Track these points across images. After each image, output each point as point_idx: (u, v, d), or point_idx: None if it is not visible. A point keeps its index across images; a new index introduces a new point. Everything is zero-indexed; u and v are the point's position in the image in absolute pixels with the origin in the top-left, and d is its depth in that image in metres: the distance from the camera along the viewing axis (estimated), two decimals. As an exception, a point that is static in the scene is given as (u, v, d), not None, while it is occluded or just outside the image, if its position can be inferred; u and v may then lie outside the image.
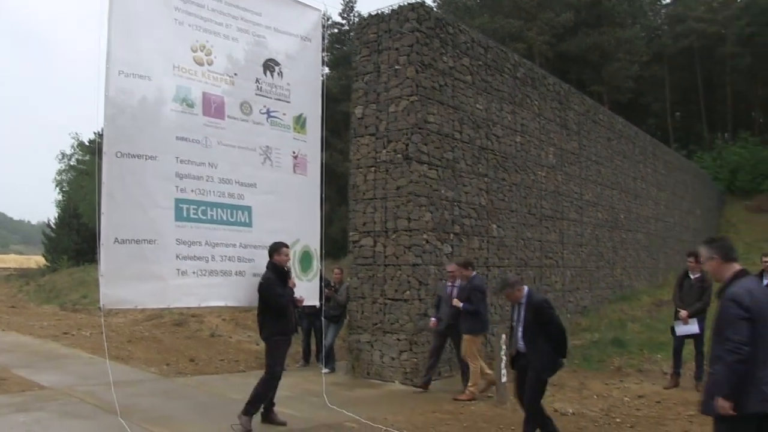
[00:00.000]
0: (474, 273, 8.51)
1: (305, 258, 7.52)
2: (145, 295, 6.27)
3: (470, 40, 10.95)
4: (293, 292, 6.77)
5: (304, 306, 9.92)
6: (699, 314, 8.47)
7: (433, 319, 8.72)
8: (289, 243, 7.07)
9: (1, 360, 10.33)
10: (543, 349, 5.63)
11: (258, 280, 6.58)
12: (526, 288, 5.92)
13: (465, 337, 8.26)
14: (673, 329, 8.76)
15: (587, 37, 36.60)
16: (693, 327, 8.43)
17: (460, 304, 8.19)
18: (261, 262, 6.68)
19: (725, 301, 3.86)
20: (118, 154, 6.10)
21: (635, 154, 19.30)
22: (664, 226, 21.78)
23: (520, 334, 5.83)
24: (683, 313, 8.50)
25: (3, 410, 6.92)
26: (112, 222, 6.02)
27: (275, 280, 6.52)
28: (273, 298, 6.48)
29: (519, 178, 12.01)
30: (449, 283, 8.71)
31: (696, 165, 31.75)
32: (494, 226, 11.14)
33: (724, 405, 3.72)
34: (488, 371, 8.21)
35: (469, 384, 8.16)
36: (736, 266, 3.99)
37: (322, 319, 9.93)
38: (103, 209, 5.98)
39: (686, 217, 25.11)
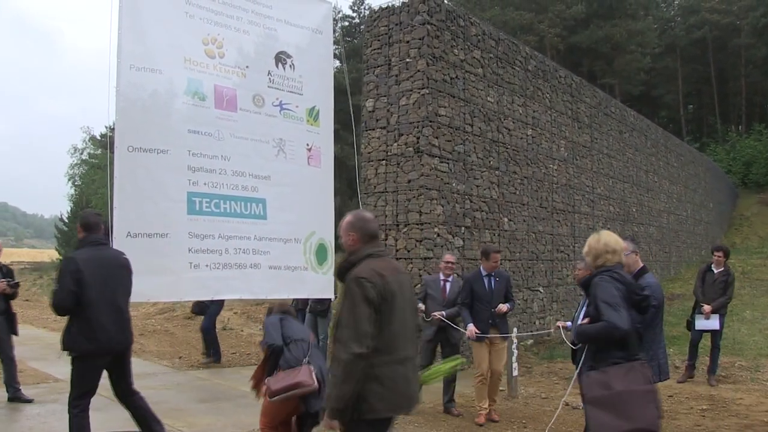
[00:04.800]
0: None
1: (320, 251, 7.51)
2: (158, 289, 6.28)
3: (481, 32, 10.89)
4: None
5: (297, 300, 9.55)
6: (721, 309, 8.38)
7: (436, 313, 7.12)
8: (304, 235, 7.05)
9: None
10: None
11: (275, 272, 6.58)
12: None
13: (504, 343, 6.95)
14: (689, 323, 8.66)
15: (599, 29, 36.39)
16: (714, 322, 8.35)
17: (505, 308, 6.82)
18: (277, 254, 6.67)
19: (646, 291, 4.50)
20: (130, 149, 6.11)
21: (647, 147, 19.16)
22: (676, 220, 21.63)
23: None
24: (706, 307, 8.37)
25: (19, 402, 6.98)
26: (125, 216, 6.04)
27: None
28: None
29: (530, 171, 11.95)
30: (442, 278, 7.33)
31: (709, 158, 31.49)
32: (505, 219, 11.09)
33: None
34: None
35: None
36: (640, 262, 4.88)
37: (307, 314, 9.37)
38: (115, 203, 5.99)
39: (699, 211, 24.92)
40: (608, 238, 3.98)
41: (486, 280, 6.87)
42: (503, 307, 6.78)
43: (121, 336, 5.08)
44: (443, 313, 7.00)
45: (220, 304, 9.92)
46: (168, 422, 6.26)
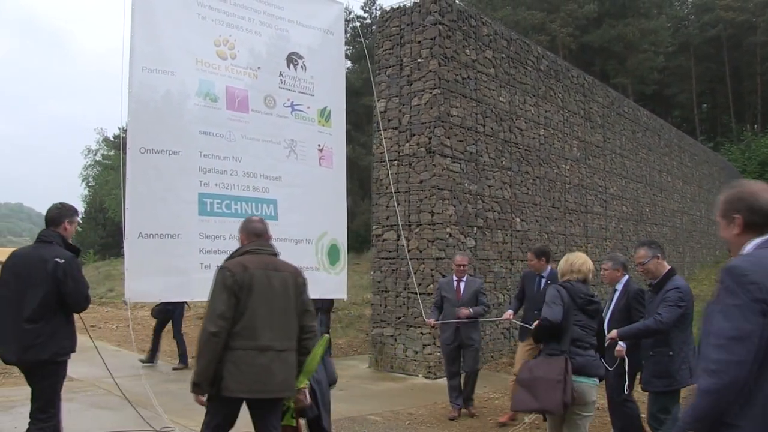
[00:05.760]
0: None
1: (333, 251, 7.51)
2: (169, 289, 6.32)
3: (493, 32, 10.85)
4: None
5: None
6: None
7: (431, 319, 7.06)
8: (315, 236, 7.05)
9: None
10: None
11: None
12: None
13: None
14: None
15: (611, 28, 36.12)
16: None
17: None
18: (288, 255, 6.64)
19: (674, 292, 4.66)
20: (142, 150, 6.15)
21: (660, 147, 19.01)
22: (689, 220, 21.44)
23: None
24: None
25: (32, 401, 7.03)
26: (136, 217, 6.07)
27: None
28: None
29: (543, 171, 11.89)
30: (455, 279, 7.12)
31: (723, 157, 31.19)
32: (518, 219, 11.04)
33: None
34: None
35: None
36: (666, 264, 4.95)
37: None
38: (127, 204, 6.03)
39: (713, 211, 24.66)
40: (574, 258, 4.44)
41: (536, 281, 6.69)
42: None
43: (5, 345, 4.29)
44: (470, 309, 6.79)
45: (183, 307, 9.87)
46: (181, 422, 6.29)
